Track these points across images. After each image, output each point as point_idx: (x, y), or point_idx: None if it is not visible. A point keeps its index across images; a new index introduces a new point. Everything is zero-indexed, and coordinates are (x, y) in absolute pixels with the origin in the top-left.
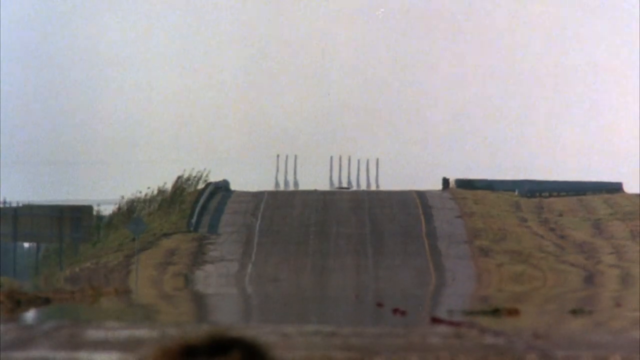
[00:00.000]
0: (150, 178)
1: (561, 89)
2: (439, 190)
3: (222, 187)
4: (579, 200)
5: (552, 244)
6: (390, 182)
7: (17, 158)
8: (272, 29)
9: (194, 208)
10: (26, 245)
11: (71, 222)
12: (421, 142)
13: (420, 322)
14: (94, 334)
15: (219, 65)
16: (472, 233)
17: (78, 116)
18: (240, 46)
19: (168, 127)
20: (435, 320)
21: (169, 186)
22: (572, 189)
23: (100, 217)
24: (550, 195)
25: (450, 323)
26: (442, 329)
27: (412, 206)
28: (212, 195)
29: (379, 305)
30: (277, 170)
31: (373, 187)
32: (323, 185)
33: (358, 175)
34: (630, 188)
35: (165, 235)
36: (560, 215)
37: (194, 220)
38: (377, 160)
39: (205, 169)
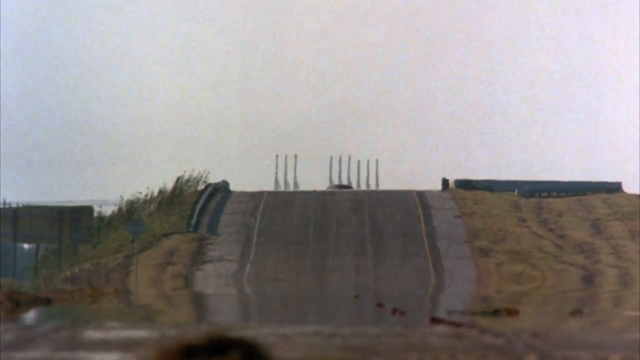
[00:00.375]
0: (149, 179)
1: (560, 90)
2: (438, 191)
3: (221, 188)
4: (578, 201)
5: (552, 244)
6: (390, 182)
7: (17, 159)
8: (272, 29)
9: (194, 208)
10: (26, 246)
11: (71, 222)
12: (421, 142)
13: (419, 322)
14: (93, 334)
15: (218, 66)
16: (471, 233)
17: (78, 117)
18: (240, 47)
19: (168, 128)
20: (435, 321)
21: (168, 187)
22: (572, 189)
23: (100, 218)
24: (550, 196)
25: (450, 323)
26: (441, 329)
27: (411, 206)
28: (211, 195)
29: (379, 305)
30: (277, 171)
31: (373, 187)
32: (323, 186)
33: (358, 175)
34: (629, 188)
35: (165, 235)
36: (560, 215)
37: (193, 220)
38: (377, 160)
39: (205, 170)
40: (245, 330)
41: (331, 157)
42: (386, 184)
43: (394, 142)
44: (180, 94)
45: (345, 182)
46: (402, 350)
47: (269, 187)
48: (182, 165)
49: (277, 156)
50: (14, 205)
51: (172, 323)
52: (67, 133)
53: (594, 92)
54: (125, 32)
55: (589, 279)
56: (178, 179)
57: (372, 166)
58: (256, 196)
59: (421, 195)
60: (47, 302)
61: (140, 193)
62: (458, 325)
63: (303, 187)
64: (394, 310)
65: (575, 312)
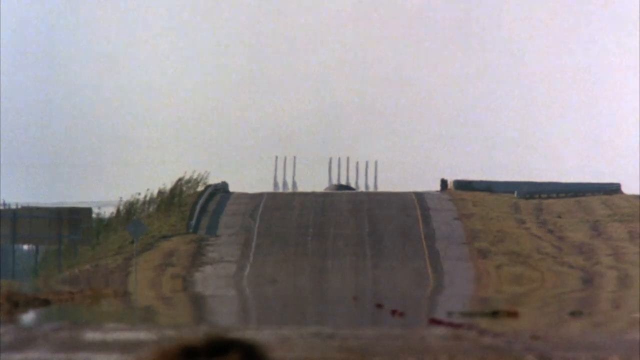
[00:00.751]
0: (149, 180)
1: (560, 91)
2: (437, 192)
3: (221, 189)
4: (578, 202)
5: (551, 246)
6: (389, 183)
7: (16, 160)
8: (272, 30)
9: (193, 210)
10: (25, 247)
11: (70, 224)
12: (420, 143)
13: (418, 324)
14: (92, 335)
15: (218, 67)
16: (470, 234)
17: (77, 118)
18: (240, 48)
19: (167, 129)
20: (434, 322)
21: (168, 188)
22: (571, 190)
23: (99, 219)
24: (549, 197)
25: (449, 324)
26: (440, 330)
27: (410, 207)
28: (211, 197)
29: (378, 306)
30: (276, 172)
31: (372, 189)
32: (322, 187)
33: (357, 176)
34: (628, 189)
35: (165, 237)
36: (559, 216)
37: (193, 222)
38: (376, 161)
39: (204, 172)
40: (244, 332)
41: (330, 159)
42: (385, 186)
43: (392, 144)
44: (179, 96)
45: (344, 183)
46: (401, 351)
47: (269, 188)
48: (182, 167)
49: (276, 157)
50: (13, 207)
51: (172, 324)
52: (66, 134)
53: (594, 93)
54: (125, 33)
55: (588, 280)
56: (178, 180)
57: (371, 167)
58: (255, 197)
59: (420, 196)
60: (46, 303)
61: (140, 194)
62: (457, 326)
63: (302, 188)
64: (393, 312)
65: (575, 314)
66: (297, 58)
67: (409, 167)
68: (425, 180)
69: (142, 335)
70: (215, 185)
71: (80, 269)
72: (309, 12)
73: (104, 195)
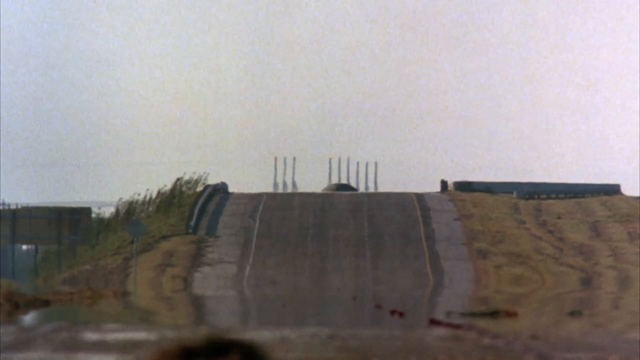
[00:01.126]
0: (149, 180)
1: (560, 91)
2: (437, 193)
3: (220, 189)
4: (577, 203)
5: (550, 246)
6: (389, 184)
7: (16, 160)
8: (272, 31)
9: (193, 210)
10: (25, 247)
11: (70, 224)
12: (420, 144)
13: (418, 324)
14: (92, 336)
15: (217, 68)
16: (470, 235)
17: (77, 118)
18: (239, 49)
19: (167, 130)
20: (434, 322)
21: (168, 188)
22: (570, 191)
23: (99, 220)
24: (549, 198)
25: (449, 325)
26: (440, 330)
27: (410, 208)
28: (210, 197)
29: (378, 307)
30: (276, 172)
31: (372, 189)
32: (322, 187)
33: (357, 177)
34: (628, 190)
35: (164, 237)
36: (559, 217)
37: (192, 222)
38: (376, 162)
39: (204, 172)
40: (244, 332)
41: (330, 159)
42: (385, 186)
43: (392, 145)
44: (179, 97)
45: (344, 182)
46: (400, 352)
47: (268, 188)
48: (181, 167)
49: (276, 158)
50: (13, 207)
51: (171, 325)
52: (66, 134)
53: (594, 94)
54: (125, 33)
55: (587, 281)
56: (177, 180)
57: (371, 168)
58: (255, 198)
59: (420, 197)
60: (46, 303)
61: (140, 195)
62: (457, 327)
63: (302, 189)
64: (393, 312)
65: (574, 314)
66: (297, 58)
67: (409, 168)
68: (425, 181)
69: (141, 335)
70: (215, 186)
71: (80, 269)
72: (309, 12)
73: (103, 195)
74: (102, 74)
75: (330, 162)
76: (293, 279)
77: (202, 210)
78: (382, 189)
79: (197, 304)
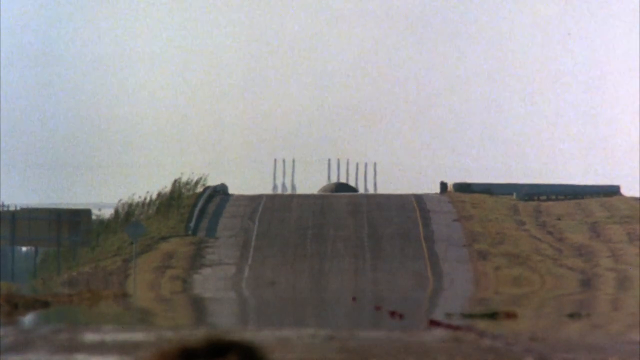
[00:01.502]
0: (148, 182)
1: (559, 93)
2: (437, 194)
3: (220, 191)
4: (577, 204)
5: (550, 247)
6: (389, 185)
7: (16, 161)
8: (271, 31)
9: (192, 212)
10: (24, 248)
11: (69, 225)
12: (419, 145)
13: (418, 326)
14: (92, 337)
15: (217, 69)
16: (470, 236)
17: (77, 119)
18: (239, 49)
19: (166, 131)
20: (433, 324)
21: (167, 190)
22: (570, 192)
23: (99, 221)
24: (548, 199)
25: (448, 326)
26: (440, 332)
27: (410, 210)
28: (210, 198)
29: (377, 308)
30: (275, 174)
31: (371, 191)
32: (321, 188)
33: (356, 178)
34: (627, 191)
35: (164, 238)
36: (558, 218)
37: (192, 224)
38: (375, 163)
39: (204, 173)
40: (243, 333)
41: (329, 160)
42: (384, 188)
43: (392, 146)
44: (178, 98)
45: (343, 182)
46: (400, 353)
47: (268, 190)
48: (181, 168)
49: (275, 159)
50: (12, 208)
51: (171, 326)
52: (66, 136)
53: (594, 95)
54: (124, 34)
55: (587, 282)
56: (176, 181)
57: (371, 169)
58: (255, 199)
59: (419, 198)
60: (45, 305)
61: (139, 196)
62: (456, 328)
63: (301, 190)
64: (392, 313)
65: (574, 315)
66: (297, 59)
67: (408, 170)
68: (424, 183)
69: (141, 336)
70: (215, 187)
71: (80, 271)
72: (309, 12)
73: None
74: (102, 74)
75: (329, 164)
76: (292, 280)
77: (202, 211)
78: (381, 190)
79: (197, 305)
